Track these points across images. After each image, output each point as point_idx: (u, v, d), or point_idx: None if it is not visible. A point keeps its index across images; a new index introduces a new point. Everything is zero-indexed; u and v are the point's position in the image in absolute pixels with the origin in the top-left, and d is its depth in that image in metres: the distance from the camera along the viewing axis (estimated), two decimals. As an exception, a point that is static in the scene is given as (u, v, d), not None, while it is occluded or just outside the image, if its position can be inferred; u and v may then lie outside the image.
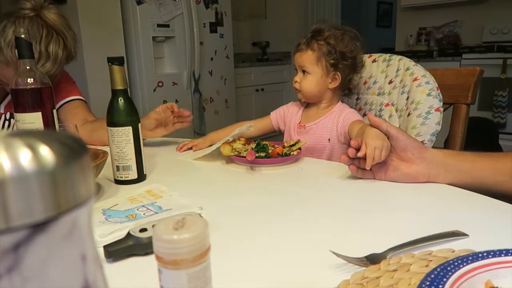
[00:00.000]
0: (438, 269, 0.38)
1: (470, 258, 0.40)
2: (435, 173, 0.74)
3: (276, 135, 1.25)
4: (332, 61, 1.08)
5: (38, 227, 0.18)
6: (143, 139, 0.87)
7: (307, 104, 1.18)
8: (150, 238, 0.50)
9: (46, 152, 0.19)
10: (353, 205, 0.69)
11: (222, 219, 0.63)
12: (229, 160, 0.98)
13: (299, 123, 1.16)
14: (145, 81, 2.84)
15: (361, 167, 0.78)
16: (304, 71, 1.10)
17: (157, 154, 1.07)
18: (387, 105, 1.16)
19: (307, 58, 1.09)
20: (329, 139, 1.10)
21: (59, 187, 0.19)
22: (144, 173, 0.86)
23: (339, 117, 1.09)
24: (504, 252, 0.40)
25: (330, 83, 1.10)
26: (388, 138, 0.76)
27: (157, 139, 1.30)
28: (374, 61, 1.22)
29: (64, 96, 1.28)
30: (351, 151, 0.76)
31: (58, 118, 0.90)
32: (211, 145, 1.06)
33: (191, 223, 0.31)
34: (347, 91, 1.18)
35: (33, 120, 0.82)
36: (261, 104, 3.77)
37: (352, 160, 0.78)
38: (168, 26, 2.88)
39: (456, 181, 0.73)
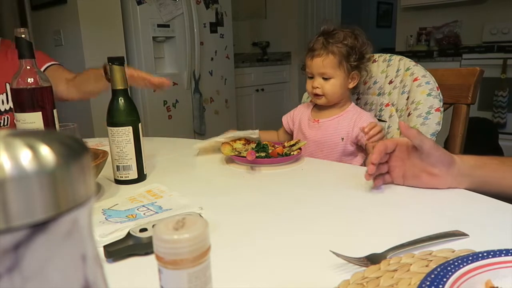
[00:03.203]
0: (438, 269, 0.38)
1: (470, 258, 0.40)
2: (457, 184, 0.71)
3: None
4: (354, 63, 1.08)
5: (38, 227, 0.18)
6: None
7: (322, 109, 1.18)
8: (150, 238, 0.50)
9: (46, 152, 0.19)
10: (353, 205, 0.69)
11: (222, 219, 0.63)
12: (229, 160, 0.99)
13: (312, 118, 1.16)
14: (145, 81, 2.84)
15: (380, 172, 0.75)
16: (324, 77, 1.09)
17: (157, 154, 1.07)
18: (387, 105, 1.16)
19: (329, 63, 1.07)
20: (342, 138, 1.10)
21: (59, 187, 0.19)
22: (144, 173, 0.86)
23: (357, 120, 1.08)
24: (504, 252, 0.40)
25: (350, 83, 1.11)
26: (416, 150, 0.71)
27: (156, 139, 1.30)
28: (374, 61, 1.22)
29: (40, 64, 1.31)
30: (371, 169, 0.71)
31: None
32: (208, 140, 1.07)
33: (191, 223, 0.31)
34: (356, 89, 1.19)
35: (33, 120, 0.82)
36: (261, 104, 3.77)
37: (379, 179, 0.74)
38: (168, 26, 2.88)
39: (478, 190, 0.70)
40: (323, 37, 1.09)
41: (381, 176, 0.75)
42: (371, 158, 0.71)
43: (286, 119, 1.24)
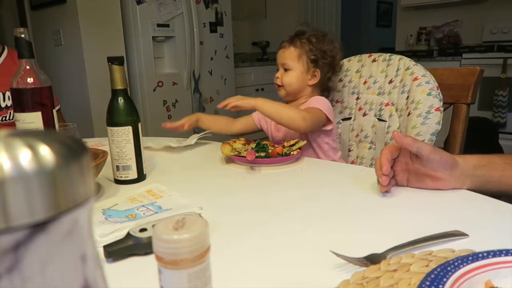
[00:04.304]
0: (438, 269, 0.38)
1: (470, 258, 0.40)
2: (460, 185, 0.71)
3: (260, 130, 1.29)
4: (312, 57, 1.13)
5: (38, 227, 0.18)
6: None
7: (287, 104, 1.21)
8: (150, 238, 0.50)
9: (46, 152, 0.19)
10: (353, 205, 0.69)
11: (222, 219, 0.63)
12: (229, 160, 0.99)
13: None
14: (145, 81, 2.84)
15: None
16: (285, 69, 1.15)
17: (157, 154, 1.07)
18: (387, 104, 1.16)
19: (290, 55, 1.15)
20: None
21: (59, 187, 0.19)
22: (144, 173, 0.86)
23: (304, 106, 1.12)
24: (504, 252, 0.40)
25: (310, 79, 1.15)
26: (417, 157, 0.70)
27: (156, 139, 1.30)
28: (374, 60, 1.22)
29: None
30: (384, 180, 0.70)
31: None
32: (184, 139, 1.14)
33: (191, 223, 0.31)
34: (326, 91, 1.23)
35: (33, 120, 0.82)
36: (261, 104, 3.77)
37: (388, 184, 0.72)
38: (168, 26, 2.88)
39: (481, 189, 0.70)
40: (294, 34, 1.17)
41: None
42: (381, 169, 0.69)
43: (257, 116, 1.26)
